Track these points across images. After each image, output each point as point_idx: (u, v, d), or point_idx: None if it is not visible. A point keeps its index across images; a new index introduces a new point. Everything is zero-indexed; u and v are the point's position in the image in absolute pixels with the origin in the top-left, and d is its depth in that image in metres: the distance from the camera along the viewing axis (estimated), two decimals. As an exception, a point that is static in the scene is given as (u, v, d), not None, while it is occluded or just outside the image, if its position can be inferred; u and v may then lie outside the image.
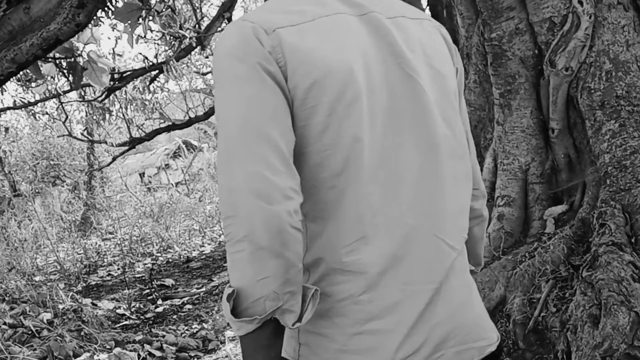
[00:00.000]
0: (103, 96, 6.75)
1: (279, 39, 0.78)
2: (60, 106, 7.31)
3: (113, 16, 4.87)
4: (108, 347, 3.54)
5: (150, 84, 7.72)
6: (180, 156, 16.48)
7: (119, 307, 4.67)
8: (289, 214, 0.75)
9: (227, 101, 0.79)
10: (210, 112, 7.00)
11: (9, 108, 6.81)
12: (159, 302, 4.97)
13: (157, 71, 6.66)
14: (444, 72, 0.89)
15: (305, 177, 0.81)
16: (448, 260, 0.87)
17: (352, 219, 0.81)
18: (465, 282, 0.91)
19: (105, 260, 7.03)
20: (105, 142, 8.31)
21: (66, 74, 3.44)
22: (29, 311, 3.81)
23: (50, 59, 3.28)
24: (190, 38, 6.13)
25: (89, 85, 5.98)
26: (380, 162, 0.82)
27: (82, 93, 7.83)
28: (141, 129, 8.30)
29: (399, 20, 0.88)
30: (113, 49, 6.43)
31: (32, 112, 8.29)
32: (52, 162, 13.23)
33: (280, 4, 0.85)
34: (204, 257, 6.73)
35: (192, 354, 3.65)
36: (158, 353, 3.55)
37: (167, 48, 6.63)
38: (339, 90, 0.79)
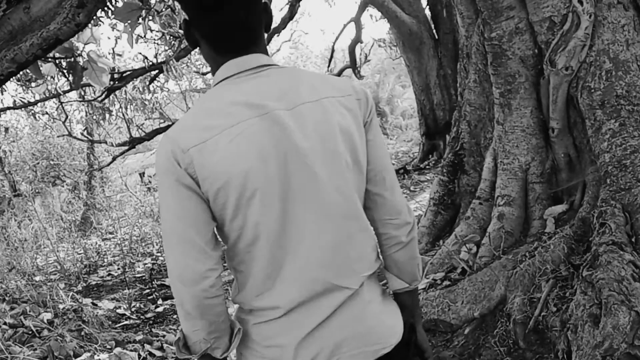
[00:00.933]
0: (103, 96, 6.75)
1: (191, 157, 1.04)
2: (60, 106, 7.31)
3: (113, 16, 4.87)
4: (108, 347, 3.55)
5: (150, 83, 7.72)
6: (180, 156, 16.41)
7: (119, 307, 4.67)
8: (204, 291, 1.07)
9: (162, 206, 1.10)
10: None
11: (9, 108, 6.81)
12: (160, 301, 4.97)
13: (157, 71, 6.66)
14: (339, 149, 1.10)
15: (230, 244, 1.12)
16: (341, 297, 1.14)
17: (263, 275, 1.11)
18: (362, 302, 1.16)
19: (106, 260, 7.03)
20: (105, 142, 8.31)
21: (66, 74, 3.43)
22: (30, 311, 3.81)
23: (50, 59, 3.27)
24: (190, 38, 6.12)
25: (88, 85, 5.98)
26: (283, 233, 1.08)
27: (82, 93, 7.83)
28: (141, 129, 8.29)
29: (299, 110, 1.08)
30: (113, 49, 6.43)
31: (32, 112, 8.29)
32: (52, 162, 13.23)
33: (197, 117, 1.08)
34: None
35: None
36: (158, 353, 3.55)
37: (167, 48, 6.63)
38: (239, 191, 1.04)
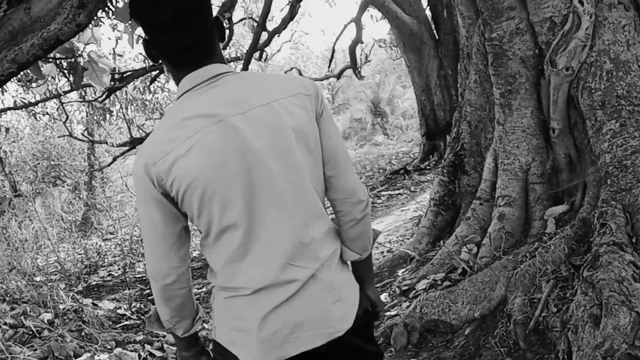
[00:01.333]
0: (103, 96, 6.76)
1: (159, 168, 1.21)
2: (61, 106, 7.32)
3: (113, 16, 4.87)
4: (109, 347, 3.55)
5: (150, 84, 7.72)
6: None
7: (120, 307, 4.67)
8: (168, 285, 1.32)
9: (139, 214, 1.33)
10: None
11: (9, 108, 6.82)
12: (160, 302, 4.97)
13: (157, 71, 6.66)
14: (290, 146, 1.24)
15: (202, 236, 1.31)
16: (302, 278, 1.28)
17: (231, 261, 1.28)
18: (324, 287, 1.31)
19: (106, 260, 7.03)
20: (106, 142, 8.32)
21: (67, 74, 3.44)
22: (30, 311, 3.81)
23: (50, 59, 3.28)
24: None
25: (89, 85, 5.98)
26: (248, 223, 1.24)
27: (83, 93, 7.83)
28: (142, 129, 8.29)
29: (250, 113, 1.22)
30: (113, 49, 6.43)
31: (33, 112, 8.29)
32: (52, 163, 13.24)
33: (162, 132, 1.25)
34: (204, 257, 6.73)
35: (193, 354, 3.65)
36: (159, 353, 3.55)
37: (167, 48, 6.62)
38: (200, 193, 1.21)
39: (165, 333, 1.51)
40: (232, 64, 12.57)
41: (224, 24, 1.33)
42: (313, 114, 1.30)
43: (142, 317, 4.56)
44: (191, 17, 1.22)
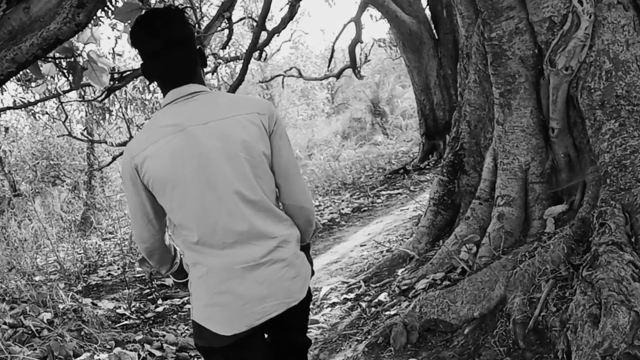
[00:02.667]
0: (103, 96, 6.75)
1: (135, 162, 1.56)
2: (60, 106, 7.31)
3: (113, 16, 4.87)
4: (108, 346, 3.55)
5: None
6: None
7: (119, 307, 4.67)
8: (147, 248, 1.72)
9: (125, 196, 1.72)
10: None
11: (9, 108, 6.81)
12: (159, 301, 4.97)
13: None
14: (238, 153, 1.56)
15: (168, 217, 1.67)
16: (257, 254, 1.59)
17: (190, 242, 1.61)
18: (284, 266, 1.63)
19: (106, 260, 7.03)
20: (105, 142, 8.31)
21: (66, 74, 3.43)
22: (29, 311, 3.81)
23: (50, 59, 3.27)
24: (190, 38, 6.11)
25: (88, 85, 5.97)
26: (202, 211, 1.56)
27: (82, 93, 7.83)
28: (141, 129, 8.28)
29: (210, 125, 1.56)
30: (113, 49, 6.43)
31: (32, 112, 8.29)
32: (52, 162, 13.23)
33: (143, 134, 1.61)
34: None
35: (192, 354, 3.65)
36: (158, 353, 3.55)
37: (167, 48, 6.61)
38: (163, 184, 1.55)
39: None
40: (231, 63, 12.57)
41: (205, 53, 1.74)
42: (266, 131, 1.62)
43: (141, 316, 4.56)
44: (177, 47, 1.58)
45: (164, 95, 1.63)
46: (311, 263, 1.83)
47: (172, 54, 1.57)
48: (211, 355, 1.67)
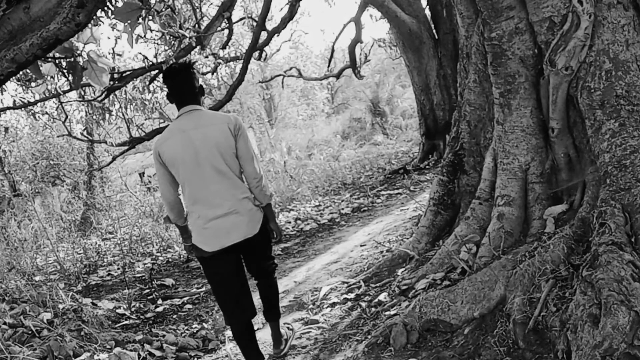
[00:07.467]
0: (103, 96, 6.75)
1: (158, 150, 2.78)
2: (60, 106, 7.31)
3: (113, 16, 4.87)
4: (108, 346, 3.55)
5: (150, 83, 7.71)
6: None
7: (119, 307, 4.67)
8: (170, 202, 2.89)
9: (155, 171, 2.89)
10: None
11: (8, 108, 6.81)
12: (159, 301, 4.97)
13: (156, 71, 6.66)
14: (213, 146, 2.73)
15: (179, 183, 2.85)
16: (225, 208, 2.78)
17: (190, 200, 2.82)
18: (243, 215, 2.82)
19: (105, 260, 7.03)
20: (105, 142, 8.31)
21: (66, 74, 3.44)
22: (29, 311, 3.81)
23: (50, 59, 3.28)
24: (190, 38, 6.13)
25: (88, 85, 5.98)
26: (196, 180, 2.76)
27: (82, 93, 7.82)
28: (141, 129, 8.28)
29: (199, 130, 2.73)
30: (113, 49, 6.42)
31: (32, 112, 8.27)
32: (52, 162, 13.23)
33: (165, 133, 2.82)
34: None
35: (192, 354, 3.65)
36: (158, 353, 3.55)
37: (166, 48, 6.62)
38: (172, 162, 2.75)
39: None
40: (231, 63, 12.57)
41: (204, 86, 2.98)
42: (232, 135, 2.76)
43: (141, 316, 4.56)
44: (184, 81, 2.80)
45: (178, 110, 2.82)
46: (273, 217, 3.01)
47: (181, 86, 2.82)
48: (201, 261, 2.90)
